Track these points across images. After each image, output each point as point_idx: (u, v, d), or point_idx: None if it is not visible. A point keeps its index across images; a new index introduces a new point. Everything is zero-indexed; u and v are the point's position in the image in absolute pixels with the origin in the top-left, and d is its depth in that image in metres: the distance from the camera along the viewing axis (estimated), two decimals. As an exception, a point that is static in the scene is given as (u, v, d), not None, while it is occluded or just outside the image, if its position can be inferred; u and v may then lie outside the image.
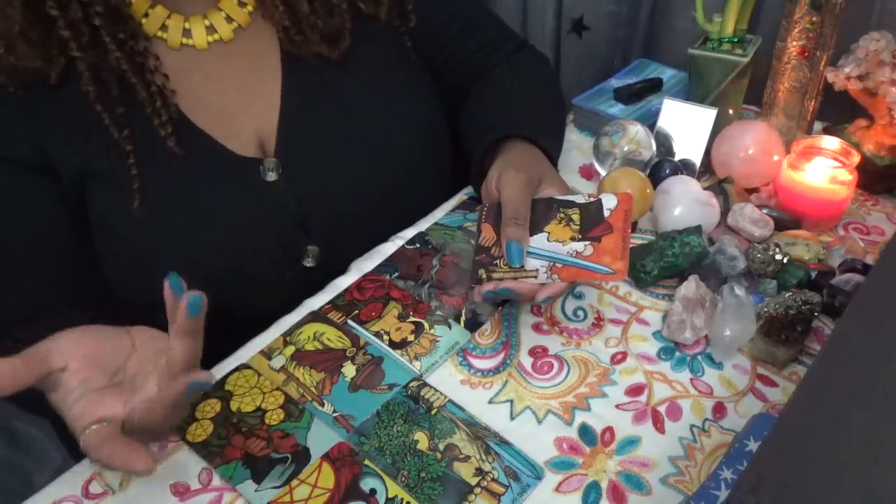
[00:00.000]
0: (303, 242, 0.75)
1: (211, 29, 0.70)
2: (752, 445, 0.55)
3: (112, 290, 0.73)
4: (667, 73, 1.03)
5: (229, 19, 0.71)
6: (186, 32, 0.70)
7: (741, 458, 0.55)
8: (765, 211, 0.77)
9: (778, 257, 0.71)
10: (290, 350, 0.67)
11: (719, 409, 0.61)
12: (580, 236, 0.64)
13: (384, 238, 0.79)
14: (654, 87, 1.00)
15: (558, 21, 1.29)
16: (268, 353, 0.67)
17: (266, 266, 0.74)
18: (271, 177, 0.73)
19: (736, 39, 0.87)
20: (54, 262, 0.70)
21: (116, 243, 0.70)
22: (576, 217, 0.66)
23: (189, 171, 0.70)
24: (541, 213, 0.66)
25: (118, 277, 0.73)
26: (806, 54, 0.82)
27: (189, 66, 0.70)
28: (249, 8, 0.72)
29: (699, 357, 0.66)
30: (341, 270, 0.76)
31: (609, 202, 0.66)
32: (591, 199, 0.67)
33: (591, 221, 0.65)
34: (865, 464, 0.37)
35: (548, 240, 0.65)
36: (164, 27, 0.69)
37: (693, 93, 0.90)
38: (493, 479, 0.56)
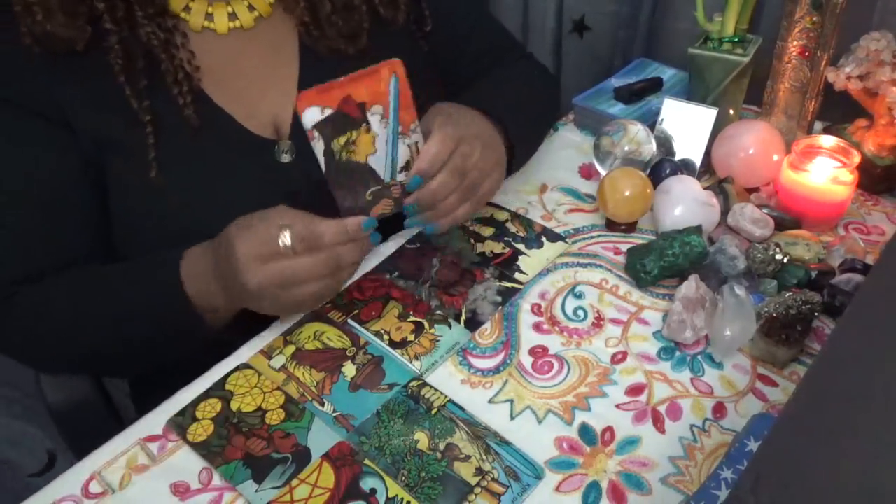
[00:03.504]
0: None
1: (233, 16, 0.72)
2: (753, 445, 0.55)
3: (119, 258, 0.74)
4: (667, 73, 1.03)
5: (251, 8, 0.73)
6: (209, 17, 0.71)
7: (741, 457, 0.55)
8: (765, 211, 0.77)
9: (778, 257, 0.71)
10: (291, 349, 0.67)
11: (719, 409, 0.61)
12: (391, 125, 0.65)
13: (388, 223, 0.80)
14: (655, 86, 1.00)
15: (559, 21, 1.29)
16: (268, 353, 0.67)
17: None
18: (285, 158, 0.74)
19: (736, 39, 0.87)
20: (67, 217, 0.70)
21: (130, 212, 0.71)
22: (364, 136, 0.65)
23: (205, 145, 0.71)
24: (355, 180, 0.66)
25: (128, 247, 0.73)
26: (806, 54, 0.82)
27: (209, 49, 0.72)
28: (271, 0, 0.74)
29: (699, 357, 0.66)
30: None
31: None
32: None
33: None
34: (865, 464, 0.37)
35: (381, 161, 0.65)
36: (187, 9, 0.70)
37: (693, 92, 0.90)
38: (493, 479, 0.56)
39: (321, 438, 0.59)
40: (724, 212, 0.79)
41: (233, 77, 0.73)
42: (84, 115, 0.67)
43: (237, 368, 0.66)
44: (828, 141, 0.79)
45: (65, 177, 0.69)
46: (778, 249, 0.71)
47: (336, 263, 0.61)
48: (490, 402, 0.63)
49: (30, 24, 0.63)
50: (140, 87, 0.67)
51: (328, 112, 0.61)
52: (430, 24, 0.83)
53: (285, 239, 0.59)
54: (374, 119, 0.63)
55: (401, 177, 0.66)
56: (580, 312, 0.71)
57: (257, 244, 0.60)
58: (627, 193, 0.77)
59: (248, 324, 0.69)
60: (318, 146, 0.61)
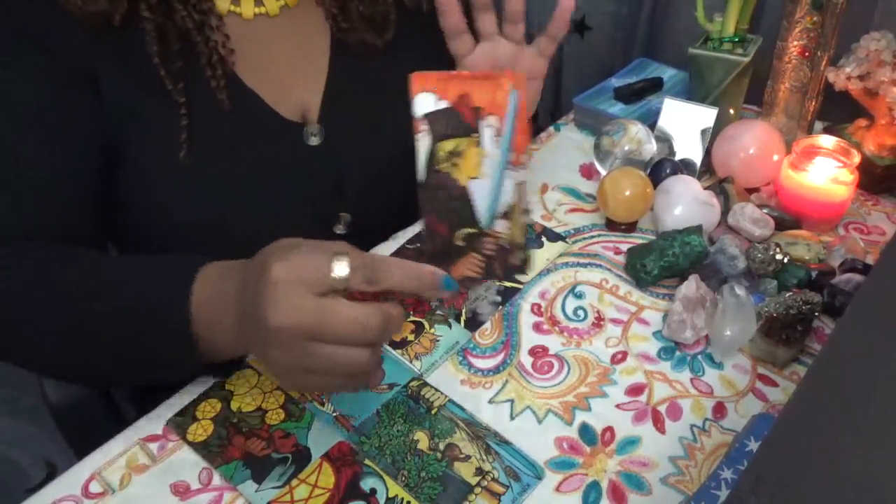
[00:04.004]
0: (337, 208, 0.77)
1: (259, 2, 0.72)
2: (753, 445, 0.55)
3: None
4: (667, 73, 1.03)
5: None
6: (236, 1, 0.71)
7: (741, 458, 0.55)
8: (765, 211, 0.77)
9: (778, 257, 0.71)
10: (291, 350, 0.67)
11: (719, 409, 0.61)
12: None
13: (410, 212, 0.80)
14: (655, 86, 1.00)
15: (559, 21, 1.29)
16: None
17: (299, 229, 0.75)
18: (314, 141, 0.75)
19: (737, 39, 0.87)
20: (75, 184, 0.67)
21: (150, 196, 0.70)
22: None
23: (235, 128, 0.71)
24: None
25: (146, 232, 0.72)
26: (807, 54, 0.82)
27: (239, 34, 0.72)
28: None
29: (699, 357, 0.66)
30: (368, 241, 0.77)
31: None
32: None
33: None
34: (865, 464, 0.37)
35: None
36: None
37: (694, 92, 0.90)
38: (493, 479, 0.56)
39: (321, 438, 0.59)
40: (725, 212, 0.79)
41: (263, 62, 0.73)
42: (116, 86, 0.67)
43: (237, 368, 0.66)
44: (828, 141, 0.79)
45: (78, 143, 0.67)
46: (778, 249, 0.71)
47: (385, 324, 0.49)
48: (490, 402, 0.63)
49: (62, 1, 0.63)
50: (175, 69, 0.67)
51: (442, 105, 0.51)
52: None
53: (340, 267, 0.48)
54: (486, 132, 0.52)
55: (500, 226, 0.52)
56: (580, 312, 0.71)
57: (300, 268, 0.48)
58: (627, 193, 0.77)
59: None
60: (424, 142, 0.51)
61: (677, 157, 0.86)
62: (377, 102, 0.77)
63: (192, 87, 0.68)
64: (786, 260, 0.71)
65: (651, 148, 0.84)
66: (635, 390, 0.63)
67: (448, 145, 0.51)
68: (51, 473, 1.22)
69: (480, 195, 0.52)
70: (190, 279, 0.55)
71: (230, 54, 0.70)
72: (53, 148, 0.66)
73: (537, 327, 0.69)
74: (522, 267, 0.56)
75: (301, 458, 0.58)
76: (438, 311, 0.70)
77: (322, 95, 0.76)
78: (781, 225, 0.77)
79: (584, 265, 0.76)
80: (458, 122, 0.51)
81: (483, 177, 0.52)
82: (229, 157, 0.71)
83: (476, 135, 0.52)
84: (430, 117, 0.51)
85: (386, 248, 0.78)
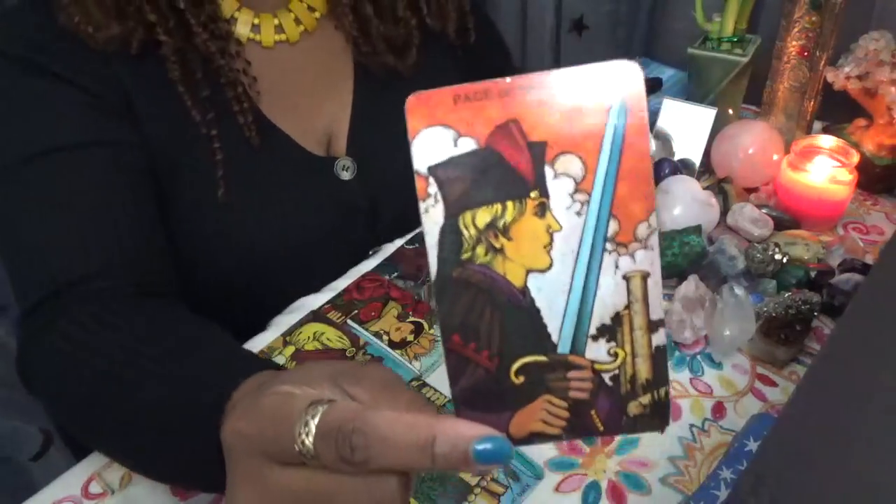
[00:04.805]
0: (370, 244, 0.77)
1: (279, 29, 0.71)
2: (752, 445, 0.55)
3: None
4: (666, 73, 1.03)
5: (298, 22, 0.72)
6: (255, 28, 0.70)
7: (741, 457, 0.55)
8: (764, 211, 0.77)
9: (777, 257, 0.71)
10: (290, 350, 0.67)
11: (719, 409, 0.61)
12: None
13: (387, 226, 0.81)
14: (654, 86, 1.00)
15: (557, 21, 1.29)
16: (268, 354, 0.67)
17: (333, 265, 0.75)
18: (345, 175, 0.74)
19: (735, 39, 0.87)
20: (147, 216, 0.65)
21: (175, 228, 0.68)
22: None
23: (266, 165, 0.70)
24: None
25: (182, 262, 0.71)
26: (805, 54, 0.82)
27: (260, 65, 0.70)
28: (317, 14, 0.73)
29: (699, 357, 0.66)
30: None
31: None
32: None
33: None
34: (865, 464, 0.37)
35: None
36: (233, 19, 0.69)
37: (693, 92, 0.90)
38: (492, 479, 0.56)
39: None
40: (724, 212, 0.79)
41: (286, 92, 0.72)
42: (151, 122, 0.65)
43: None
44: (827, 141, 0.79)
45: (134, 175, 0.64)
46: (777, 249, 0.71)
47: (407, 494, 0.33)
48: (490, 402, 0.62)
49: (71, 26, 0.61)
50: (202, 98, 0.65)
51: (468, 146, 0.30)
52: (473, 37, 0.82)
53: (305, 434, 0.31)
54: (558, 186, 0.30)
55: (597, 350, 0.31)
56: (580, 312, 0.70)
57: (258, 431, 0.33)
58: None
59: (247, 320, 0.69)
60: (434, 216, 0.31)
61: (676, 157, 0.86)
62: (404, 130, 0.77)
63: (220, 125, 0.66)
64: (785, 260, 0.71)
65: (650, 148, 0.84)
66: (635, 390, 0.63)
67: (480, 216, 0.30)
68: (46, 442, 1.22)
69: (553, 299, 0.30)
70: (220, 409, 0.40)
71: (253, 83, 0.68)
72: (112, 182, 0.62)
73: (537, 327, 0.69)
74: (654, 418, 0.32)
75: (301, 458, 0.58)
76: (438, 311, 0.70)
77: (349, 124, 0.75)
78: (780, 225, 0.77)
79: (584, 265, 0.76)
80: (498, 175, 0.30)
81: (555, 265, 0.30)
82: (260, 195, 0.70)
83: (536, 194, 0.30)
84: (443, 171, 0.31)
85: (386, 249, 0.78)
